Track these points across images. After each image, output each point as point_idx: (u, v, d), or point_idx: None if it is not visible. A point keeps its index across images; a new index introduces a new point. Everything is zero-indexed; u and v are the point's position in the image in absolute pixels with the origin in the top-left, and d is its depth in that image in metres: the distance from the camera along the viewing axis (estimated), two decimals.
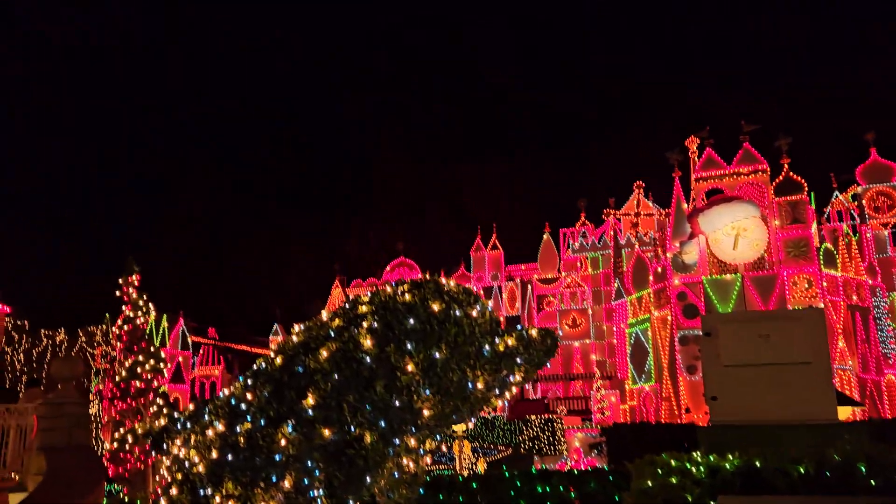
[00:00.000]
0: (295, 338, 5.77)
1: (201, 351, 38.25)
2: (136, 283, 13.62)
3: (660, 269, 23.81)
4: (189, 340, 36.74)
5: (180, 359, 35.70)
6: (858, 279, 22.69)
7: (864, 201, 26.69)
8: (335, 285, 37.79)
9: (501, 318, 33.15)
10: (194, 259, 65.19)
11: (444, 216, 56.53)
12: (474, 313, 5.77)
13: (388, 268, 38.79)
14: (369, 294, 5.73)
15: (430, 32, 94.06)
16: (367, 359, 5.17)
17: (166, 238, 68.24)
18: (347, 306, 5.76)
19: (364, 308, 5.61)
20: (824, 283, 21.35)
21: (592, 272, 32.78)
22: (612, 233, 31.02)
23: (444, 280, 5.86)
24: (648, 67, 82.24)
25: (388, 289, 5.69)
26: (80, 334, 40.93)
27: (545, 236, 34.78)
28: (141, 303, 13.47)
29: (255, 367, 5.82)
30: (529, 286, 34.59)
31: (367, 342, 5.20)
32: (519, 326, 5.86)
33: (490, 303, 6.03)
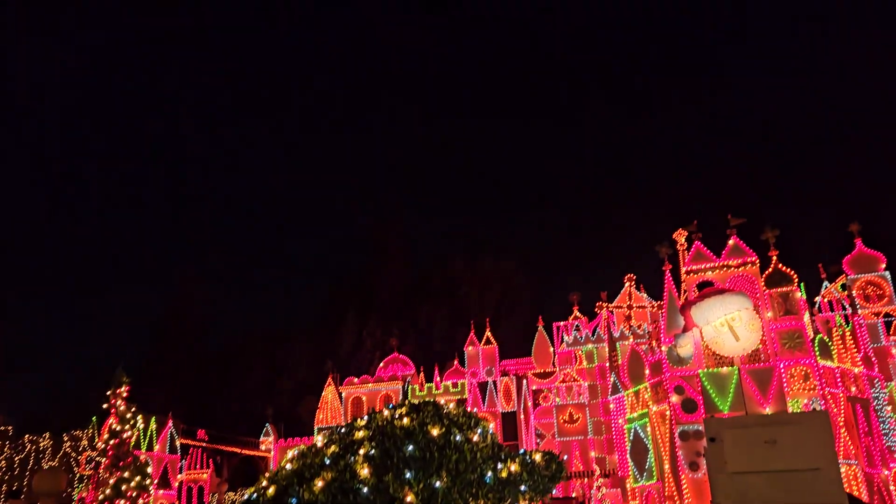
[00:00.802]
0: (288, 465, 5.57)
1: (190, 453, 37.18)
2: (124, 395, 13.36)
3: (656, 363, 23.62)
4: (177, 443, 35.74)
5: (167, 463, 34.64)
6: (855, 370, 22.55)
7: (854, 291, 26.88)
8: (328, 383, 37.23)
9: (499, 413, 32.82)
10: (187, 358, 64.27)
11: (438, 312, 56.33)
12: (475, 437, 5.63)
13: (381, 364, 38.39)
14: (366, 417, 5.61)
15: (431, 131, 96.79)
16: (365, 489, 4.98)
17: (159, 338, 67.46)
18: (344, 430, 5.62)
19: (361, 433, 5.47)
20: (822, 375, 21.17)
21: (588, 366, 32.51)
22: (605, 326, 30.94)
23: (443, 402, 5.77)
24: (638, 163, 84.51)
25: (386, 412, 5.58)
26: (65, 438, 39.78)
27: (539, 330, 34.68)
28: (129, 415, 13.17)
29: (245, 498, 5.61)
30: (525, 381, 34.19)
31: (365, 471, 5.02)
32: (522, 451, 5.72)
33: (489, 425, 5.87)
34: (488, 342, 35.19)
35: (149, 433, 33.78)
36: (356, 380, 36.62)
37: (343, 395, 36.21)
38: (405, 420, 5.42)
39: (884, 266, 28.79)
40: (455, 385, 34.78)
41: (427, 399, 30.94)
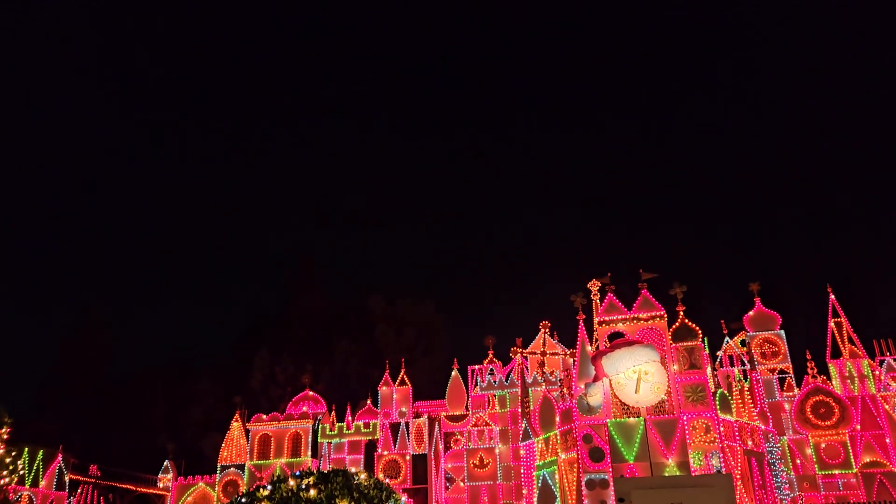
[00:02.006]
0: None
1: (80, 490, 35.00)
2: (4, 437, 12.40)
3: (566, 411, 24.03)
4: (66, 478, 33.59)
5: (53, 500, 32.48)
6: (752, 424, 23.59)
7: (752, 348, 28.27)
8: (235, 419, 35.99)
9: (409, 455, 32.50)
10: (86, 388, 60.86)
11: (354, 350, 55.65)
12: None
13: (292, 402, 37.45)
14: (269, 487, 5.37)
15: (352, 175, 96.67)
16: None
17: (59, 365, 63.72)
18: (244, 501, 5.37)
19: None
20: (722, 428, 22.04)
21: (500, 411, 32.72)
22: (519, 371, 31.31)
23: (354, 471, 5.65)
24: (559, 213, 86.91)
25: (292, 482, 5.36)
26: None
27: (454, 373, 34.75)
28: (8, 460, 12.24)
29: None
30: (437, 423, 34.05)
31: None
32: None
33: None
34: (403, 383, 34.97)
35: (35, 467, 31.67)
36: (265, 417, 35.56)
37: (250, 431, 35.06)
38: (312, 492, 5.20)
39: (779, 325, 30.55)
40: (367, 425, 34.29)
41: (340, 436, 30.18)
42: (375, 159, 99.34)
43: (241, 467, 34.41)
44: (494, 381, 33.47)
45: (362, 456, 33.80)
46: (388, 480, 31.17)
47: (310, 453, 34.13)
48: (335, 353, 57.28)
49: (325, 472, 5.10)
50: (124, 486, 37.20)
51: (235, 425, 35.81)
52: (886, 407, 28.56)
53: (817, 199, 76.05)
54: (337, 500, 4.85)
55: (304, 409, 36.03)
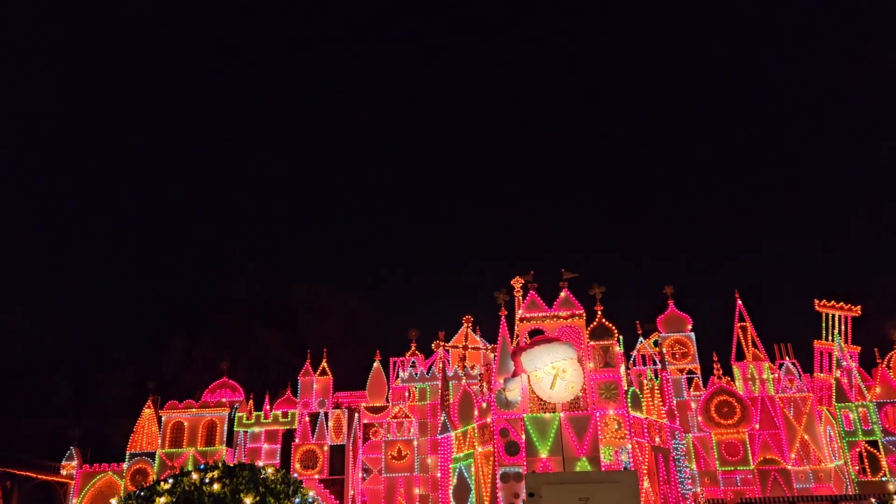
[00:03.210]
0: None
1: None
2: None
3: (485, 405, 24.45)
4: None
5: None
6: (660, 421, 24.62)
7: (664, 349, 29.47)
8: (147, 405, 34.91)
9: (327, 446, 32.32)
10: None
11: (276, 338, 54.82)
12: None
13: (208, 389, 36.62)
14: (171, 480, 5.19)
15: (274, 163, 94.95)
16: None
17: None
18: (143, 494, 5.19)
19: (162, 500, 5.08)
20: (632, 425, 22.91)
21: (420, 403, 32.96)
22: (440, 365, 31.62)
23: (261, 464, 5.57)
24: (488, 210, 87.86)
25: (195, 475, 5.21)
26: None
27: (375, 364, 34.76)
28: None
29: None
30: (357, 414, 34.01)
31: None
32: None
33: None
34: (324, 373, 34.72)
35: None
36: (179, 404, 34.60)
37: (163, 419, 34.08)
38: (216, 486, 5.05)
39: (690, 327, 31.98)
40: (285, 415, 33.89)
41: (257, 425, 29.68)
42: (309, 147, 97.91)
43: (151, 455, 33.41)
44: (416, 374, 33.68)
45: (279, 446, 33.39)
46: (294, 475, 30.95)
47: (225, 442, 33.49)
48: (256, 340, 56.33)
49: (231, 465, 4.94)
50: (23, 473, 35.56)
51: (147, 412, 34.75)
52: (783, 407, 30.32)
53: (727, 209, 79.90)
54: (242, 495, 4.71)
55: (221, 397, 35.30)
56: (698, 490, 29.19)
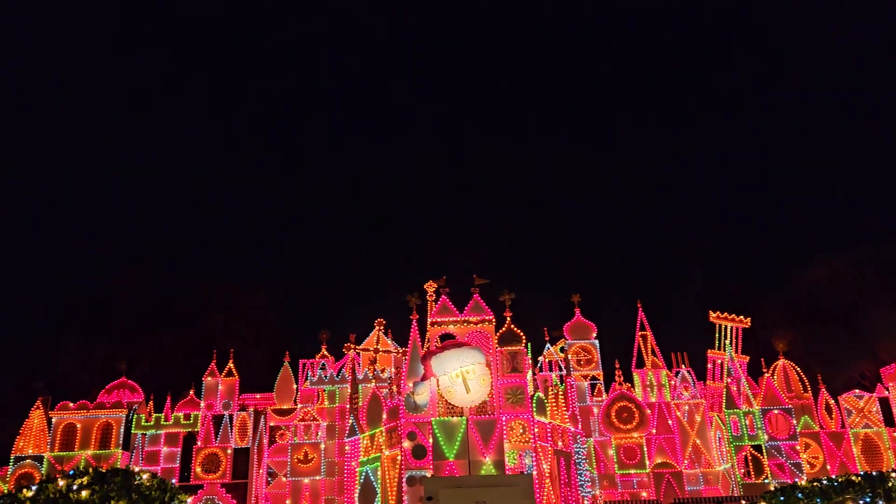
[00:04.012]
0: None
1: None
2: None
3: (393, 408, 24.53)
4: None
5: None
6: (563, 426, 25.38)
7: (569, 355, 30.42)
8: (36, 406, 33.10)
9: (231, 449, 31.53)
10: None
11: (180, 336, 52.94)
12: None
13: (104, 389, 35.05)
14: (35, 487, 4.91)
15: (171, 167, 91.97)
16: None
17: None
18: (2, 502, 4.89)
19: None
20: (536, 430, 23.52)
21: (329, 406, 32.66)
22: (350, 367, 31.46)
23: (137, 469, 5.41)
24: (401, 214, 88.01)
25: (62, 482, 4.94)
26: None
27: (284, 366, 34.23)
28: None
29: None
30: (263, 417, 33.36)
31: None
32: None
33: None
34: (230, 373, 33.91)
35: None
36: (72, 405, 32.96)
37: (53, 420, 32.36)
38: (83, 493, 4.78)
39: (595, 335, 33.15)
40: (188, 417, 32.87)
41: (156, 427, 28.71)
42: (219, 141, 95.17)
43: (39, 459, 31.68)
44: (325, 376, 33.35)
45: (180, 449, 32.36)
46: (173, 478, 30.12)
47: (121, 445, 32.15)
48: (158, 339, 54.24)
49: (104, 471, 4.75)
50: None
51: (36, 413, 32.94)
52: (678, 413, 31.86)
53: (632, 221, 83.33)
54: (113, 502, 4.48)
55: (119, 398, 33.86)
56: (597, 492, 30.24)
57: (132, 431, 32.49)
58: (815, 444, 31.73)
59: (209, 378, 33.72)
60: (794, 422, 30.50)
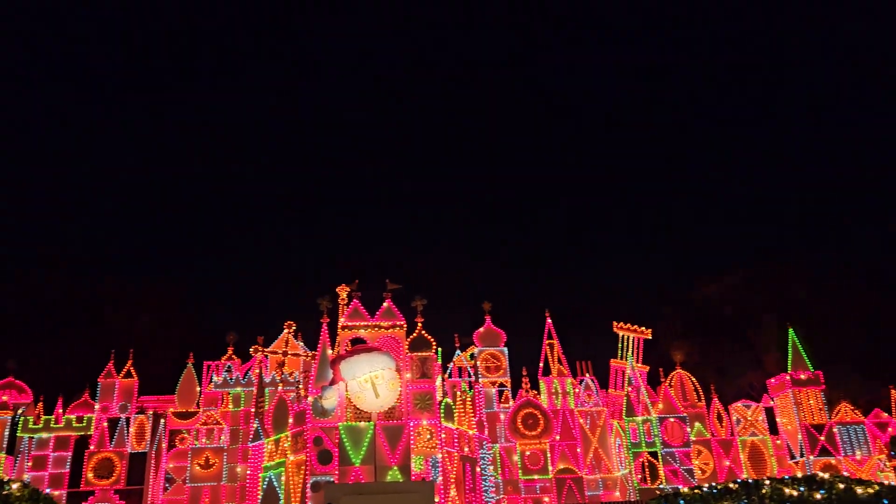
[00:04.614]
0: None
1: None
2: None
3: (300, 412, 24.17)
4: None
5: None
6: (470, 432, 25.69)
7: (478, 362, 30.85)
8: None
9: (126, 454, 30.17)
10: None
11: (77, 334, 50.25)
12: None
13: None
14: None
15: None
16: None
17: None
18: None
19: None
20: (443, 435, 23.72)
21: (233, 409, 31.83)
22: (257, 370, 30.79)
23: (6, 479, 5.06)
24: (317, 221, 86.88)
25: None
26: None
27: (187, 367, 33.16)
28: None
29: None
30: (163, 420, 32.18)
31: None
32: None
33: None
34: (129, 374, 32.57)
35: None
36: None
37: None
38: None
39: (504, 342, 33.77)
40: (80, 419, 31.33)
41: (45, 430, 27.17)
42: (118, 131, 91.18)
43: None
44: (231, 379, 32.48)
45: (70, 453, 30.78)
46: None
47: (5, 449, 30.27)
48: (52, 337, 51.32)
49: None
50: None
51: None
52: (581, 420, 32.85)
53: (544, 232, 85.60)
54: None
55: (5, 399, 31.86)
56: (501, 497, 30.77)
57: (18, 434, 30.67)
58: (706, 450, 33.37)
59: (106, 379, 32.29)
60: (689, 429, 32.01)
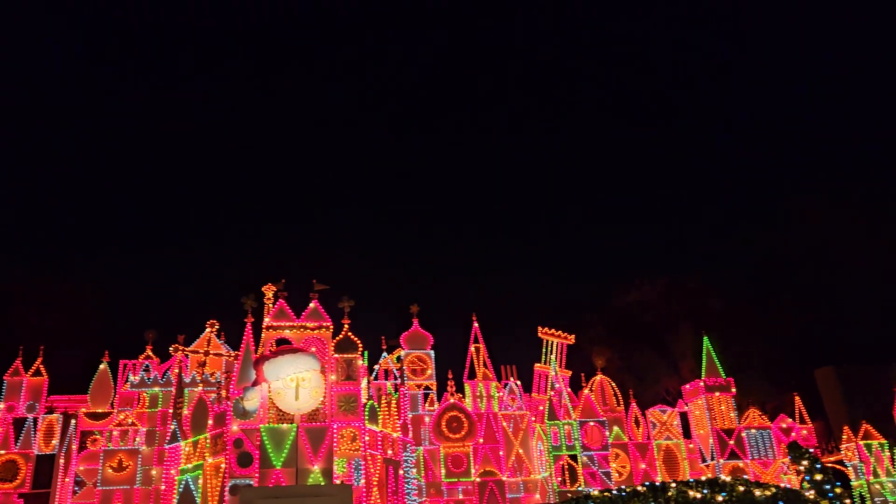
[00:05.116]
0: None
1: None
2: None
3: (220, 414, 23.63)
4: None
5: None
6: (394, 435, 25.68)
7: (405, 364, 30.90)
8: None
9: (33, 456, 28.77)
10: None
11: None
12: None
13: None
14: None
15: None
16: None
17: None
18: None
19: None
20: (367, 438, 23.63)
21: (150, 410, 30.80)
22: (177, 370, 29.92)
23: None
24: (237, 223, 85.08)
25: None
26: None
27: (102, 366, 31.92)
28: None
29: None
30: (74, 421, 30.86)
31: None
32: None
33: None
34: (38, 373, 31.09)
35: None
36: None
37: None
38: None
39: (431, 345, 33.93)
40: None
41: None
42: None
43: None
44: (148, 378, 31.44)
45: None
46: None
47: None
48: None
49: None
50: None
51: None
52: (504, 424, 33.32)
53: (474, 237, 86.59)
54: None
55: None
56: (424, 500, 30.86)
57: None
58: (623, 454, 34.40)
59: (12, 377, 30.74)
60: (608, 433, 32.94)
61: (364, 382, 25.18)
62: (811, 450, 21.42)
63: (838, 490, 17.77)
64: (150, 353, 32.53)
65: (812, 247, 57.87)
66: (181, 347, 31.64)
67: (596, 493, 15.70)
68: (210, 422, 23.76)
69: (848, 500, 17.90)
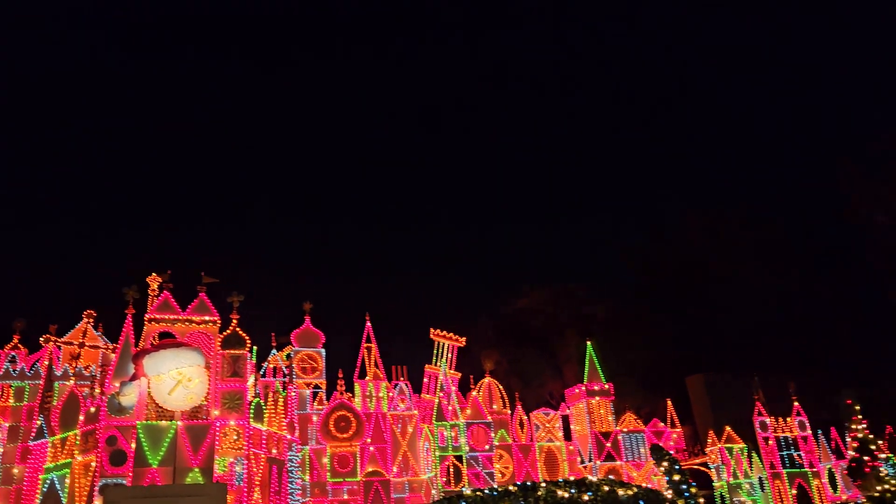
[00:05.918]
0: None
1: None
2: None
3: (93, 409, 22.41)
4: None
5: None
6: (279, 433, 25.21)
7: (294, 362, 30.39)
8: None
9: None
10: None
11: None
12: None
13: None
14: None
15: None
16: None
17: None
18: None
19: None
20: (251, 436, 23.06)
21: (14, 404, 28.75)
22: (46, 362, 28.07)
23: None
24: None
25: None
26: None
27: None
28: None
29: None
30: None
31: None
32: None
33: None
34: None
35: None
36: None
37: None
38: None
39: (322, 344, 33.56)
40: None
41: None
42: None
43: None
44: (14, 370, 29.34)
45: None
46: None
47: None
48: None
49: None
50: None
51: None
52: (392, 424, 33.40)
53: (367, 235, 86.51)
54: None
55: None
56: (308, 500, 30.45)
57: None
58: (507, 455, 35.29)
59: None
60: (493, 435, 33.67)
61: (251, 380, 24.57)
62: (671, 452, 22.87)
63: (693, 490, 19.21)
64: (18, 344, 30.38)
65: (691, 260, 61.24)
66: (53, 338, 29.76)
67: (468, 492, 16.07)
68: (81, 417, 22.48)
69: (702, 500, 19.37)
